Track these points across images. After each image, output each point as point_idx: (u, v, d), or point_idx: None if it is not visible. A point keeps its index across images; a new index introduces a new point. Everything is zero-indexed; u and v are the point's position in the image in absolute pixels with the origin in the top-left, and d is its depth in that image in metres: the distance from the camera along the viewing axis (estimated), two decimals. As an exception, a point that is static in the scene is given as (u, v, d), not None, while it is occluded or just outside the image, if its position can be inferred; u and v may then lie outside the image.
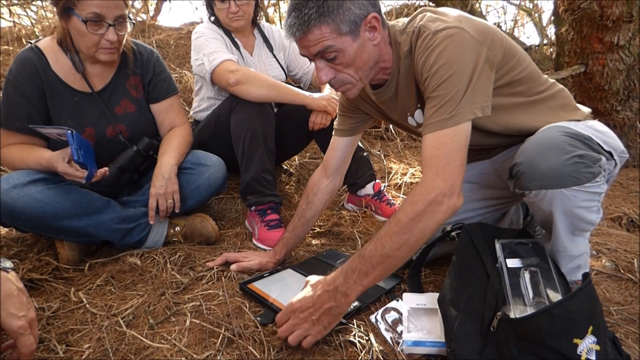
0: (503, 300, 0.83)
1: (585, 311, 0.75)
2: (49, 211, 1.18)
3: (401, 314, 1.01)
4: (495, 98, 0.96)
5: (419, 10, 1.03)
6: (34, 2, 3.23)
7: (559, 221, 0.94)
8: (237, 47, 1.72)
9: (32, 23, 3.12)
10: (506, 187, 1.04)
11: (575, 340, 0.73)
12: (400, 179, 2.10)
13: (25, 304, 0.82)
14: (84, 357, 0.91)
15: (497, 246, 0.95)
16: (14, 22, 3.34)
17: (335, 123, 1.30)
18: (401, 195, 1.95)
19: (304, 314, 0.89)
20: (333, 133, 1.29)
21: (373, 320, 1.01)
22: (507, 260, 0.91)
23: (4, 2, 3.25)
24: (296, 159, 2.16)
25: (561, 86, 1.15)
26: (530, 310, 0.79)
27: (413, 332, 0.95)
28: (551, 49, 3.78)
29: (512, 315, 0.78)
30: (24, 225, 1.20)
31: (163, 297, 1.10)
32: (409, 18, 1.03)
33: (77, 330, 0.99)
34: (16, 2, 3.23)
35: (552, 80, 1.15)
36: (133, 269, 1.24)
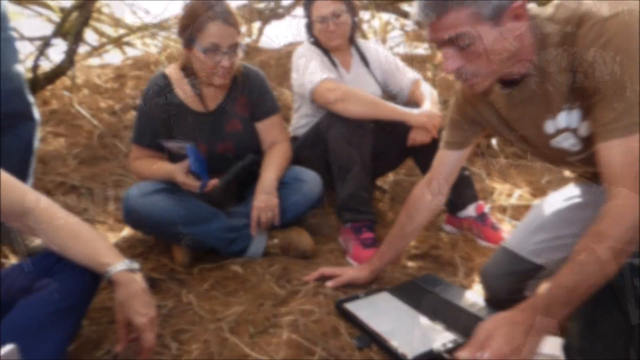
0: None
1: None
2: (169, 218, 1.32)
3: None
4: None
5: None
6: (160, 33, 3.75)
7: None
8: (335, 66, 1.76)
9: (158, 51, 3.61)
10: None
11: None
12: (505, 201, 1.91)
13: (149, 303, 0.91)
14: (192, 356, 0.97)
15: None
16: (145, 50, 3.92)
17: (444, 135, 1.21)
18: (507, 219, 1.77)
19: None
20: (441, 146, 1.18)
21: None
22: (662, 310, 0.74)
23: (138, 34, 3.84)
24: (390, 176, 2.11)
25: None
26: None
27: (531, 381, 0.83)
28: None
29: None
30: (149, 229, 1.37)
31: (262, 308, 1.13)
32: (555, 5, 0.89)
33: (187, 330, 1.07)
34: (147, 33, 3.79)
35: None
36: (235, 276, 1.32)
